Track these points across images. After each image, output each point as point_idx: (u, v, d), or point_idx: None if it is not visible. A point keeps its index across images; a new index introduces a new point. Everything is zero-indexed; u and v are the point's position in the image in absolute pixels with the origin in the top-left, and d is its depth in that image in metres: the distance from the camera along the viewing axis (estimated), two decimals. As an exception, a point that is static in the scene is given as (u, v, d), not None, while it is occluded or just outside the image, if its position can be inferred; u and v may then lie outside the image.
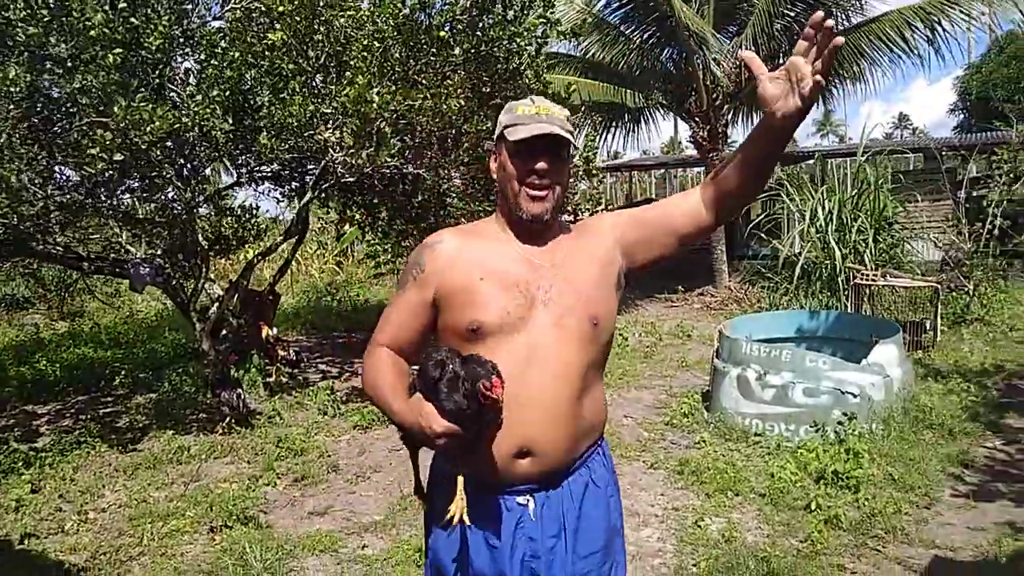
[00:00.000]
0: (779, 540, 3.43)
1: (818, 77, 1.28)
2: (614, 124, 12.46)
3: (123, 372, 6.69)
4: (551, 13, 4.95)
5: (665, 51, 12.32)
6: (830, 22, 1.25)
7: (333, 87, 4.90)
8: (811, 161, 13.18)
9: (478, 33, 4.93)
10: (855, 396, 4.61)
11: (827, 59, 1.27)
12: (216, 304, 6.36)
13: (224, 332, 6.67)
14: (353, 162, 4.72)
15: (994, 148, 10.13)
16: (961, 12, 9.52)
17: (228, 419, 5.20)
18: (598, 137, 11.69)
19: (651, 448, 4.78)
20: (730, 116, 12.15)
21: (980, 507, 3.71)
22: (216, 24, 5.75)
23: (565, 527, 1.53)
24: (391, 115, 4.68)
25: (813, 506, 3.68)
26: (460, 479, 1.43)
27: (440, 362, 1.36)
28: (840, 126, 48.29)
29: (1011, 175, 9.47)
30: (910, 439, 4.50)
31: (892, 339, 4.98)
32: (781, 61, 8.58)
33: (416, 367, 1.47)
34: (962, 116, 23.92)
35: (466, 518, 1.41)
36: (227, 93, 5.18)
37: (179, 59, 5.34)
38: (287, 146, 5.28)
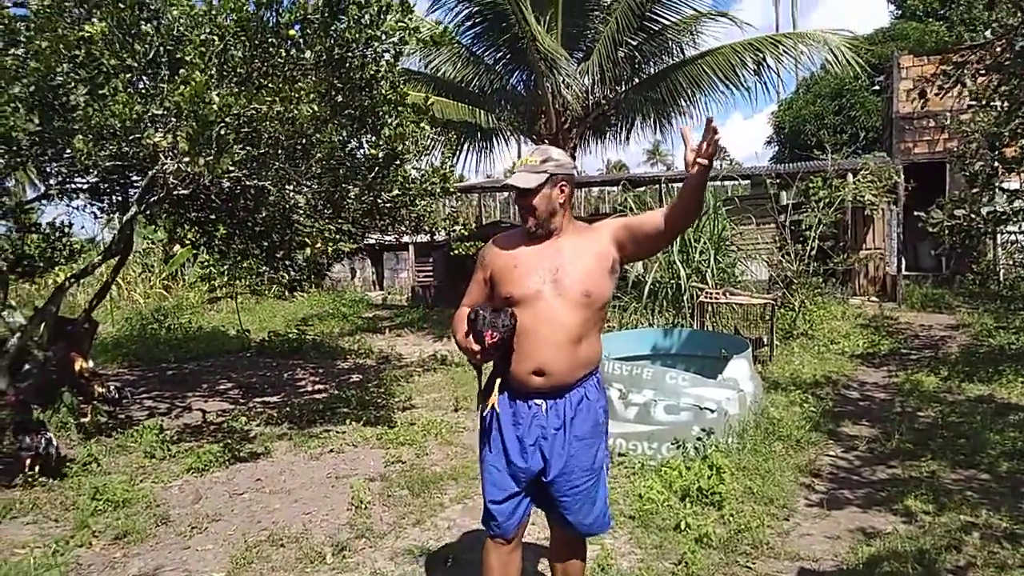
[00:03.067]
0: (653, 564, 3.36)
1: (702, 160, 2.06)
2: (468, 143, 12.42)
3: None
4: (409, 20, 4.72)
5: (515, 73, 12.49)
6: (714, 123, 2.01)
7: (165, 86, 4.36)
8: (656, 185, 13.80)
9: (332, 35, 4.58)
10: (713, 411, 4.72)
11: (712, 146, 2.05)
12: (17, 334, 5.47)
13: (27, 367, 5.76)
14: (188, 171, 4.20)
15: (811, 176, 11.14)
16: (784, 51, 10.41)
17: (31, 469, 4.41)
18: (453, 156, 11.58)
19: (518, 474, 4.61)
20: (578, 140, 12.51)
21: (833, 515, 3.87)
22: (17, 11, 5.00)
23: (565, 421, 2.36)
24: (233, 120, 4.21)
25: (683, 526, 3.66)
26: (497, 384, 2.41)
27: (476, 312, 2.29)
28: (668, 155, 51.78)
29: (827, 200, 10.44)
30: (763, 451, 4.66)
31: (743, 354, 5.17)
32: (620, 88, 8.91)
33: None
34: (777, 148, 26.34)
35: (498, 407, 2.40)
36: (31, 89, 4.48)
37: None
38: (108, 152, 4.64)
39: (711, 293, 8.02)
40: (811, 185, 10.95)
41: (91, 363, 6.23)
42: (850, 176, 11.89)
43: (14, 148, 4.63)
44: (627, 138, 13.56)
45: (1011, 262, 12.11)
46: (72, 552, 3.56)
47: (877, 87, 19.26)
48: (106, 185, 6.78)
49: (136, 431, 5.36)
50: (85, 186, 6.75)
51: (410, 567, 3.42)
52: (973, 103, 6.40)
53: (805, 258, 10.10)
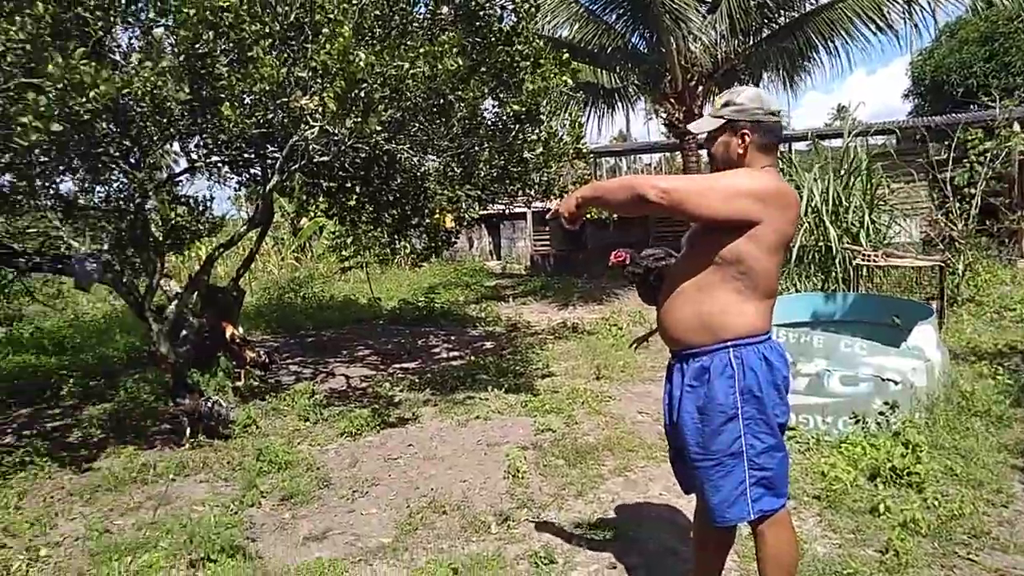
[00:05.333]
0: (854, 551, 3.01)
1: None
2: (592, 105, 12.03)
3: (71, 380, 5.94)
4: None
5: (636, 31, 11.93)
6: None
7: (309, 46, 4.29)
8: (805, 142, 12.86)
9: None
10: (897, 383, 4.24)
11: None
12: (174, 302, 5.69)
13: (184, 333, 6.00)
14: (335, 131, 4.13)
15: (969, 127, 10.00)
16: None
17: (199, 430, 4.57)
18: (582, 116, 11.27)
19: (678, 447, 4.34)
20: (705, 98, 11.84)
21: (1063, 503, 3.36)
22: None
23: (684, 389, 2.21)
24: (376, 79, 4.09)
25: (881, 509, 3.28)
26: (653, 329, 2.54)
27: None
28: (784, 116, 49.13)
29: (992, 154, 9.34)
30: (959, 428, 4.15)
31: (929, 320, 4.64)
32: (750, 40, 8.32)
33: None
34: (917, 101, 24.20)
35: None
36: (181, 57, 4.53)
37: (119, 21, 4.68)
38: (254, 120, 4.66)
39: (869, 255, 7.34)
40: (970, 138, 9.85)
41: (240, 330, 6.44)
42: (1017, 126, 10.63)
43: (167, 118, 4.72)
44: (755, 95, 12.74)
45: None
46: (245, 511, 3.61)
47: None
48: (245, 156, 6.95)
49: (288, 395, 5.48)
50: (226, 159, 6.95)
51: (579, 540, 3.24)
52: None
53: (968, 217, 9.11)
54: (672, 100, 11.49)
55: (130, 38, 5.23)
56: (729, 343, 2.12)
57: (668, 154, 20.40)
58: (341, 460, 4.33)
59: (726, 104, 2.19)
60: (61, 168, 4.94)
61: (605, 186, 2.32)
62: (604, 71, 11.85)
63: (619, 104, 12.53)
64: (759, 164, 2.16)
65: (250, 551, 3.18)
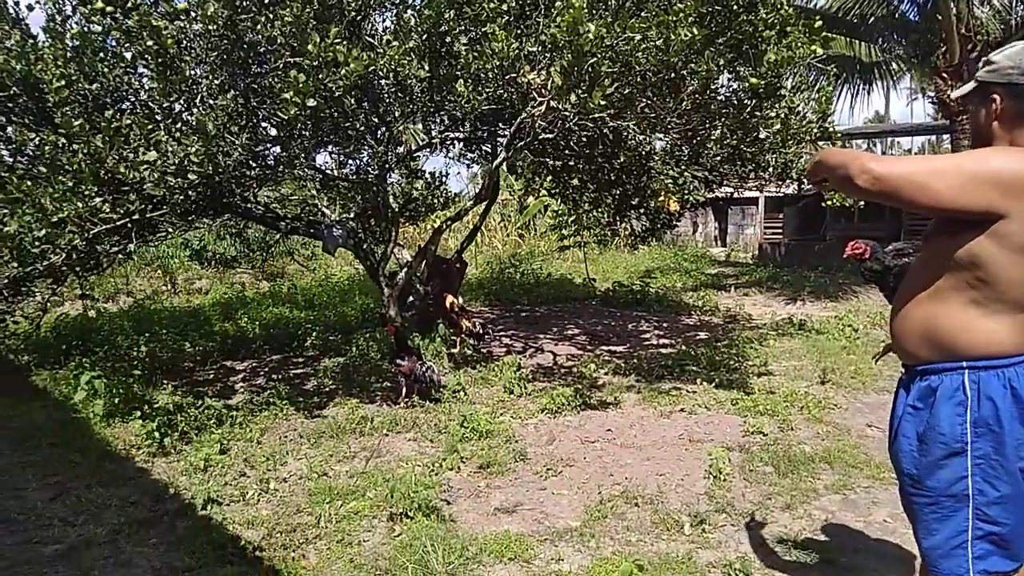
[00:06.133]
0: None
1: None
2: (846, 81, 10.91)
3: (315, 334, 6.66)
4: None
5: (906, -4, 10.57)
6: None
7: (541, 20, 4.30)
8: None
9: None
10: None
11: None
12: (404, 270, 6.12)
13: (411, 299, 6.45)
14: (559, 106, 4.09)
15: None
16: None
17: (413, 391, 4.88)
18: (832, 93, 10.28)
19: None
20: (988, 72, 10.17)
21: None
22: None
23: (906, 407, 1.87)
24: (604, 52, 3.98)
25: None
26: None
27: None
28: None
29: None
30: None
31: None
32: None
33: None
34: None
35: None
36: (424, 37, 4.78)
37: (376, 5, 5.04)
38: (485, 95, 4.79)
39: None
40: None
41: (460, 300, 6.76)
42: None
43: (408, 95, 5.01)
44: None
45: None
46: (444, 474, 3.77)
47: None
48: (478, 134, 7.25)
49: (496, 366, 5.64)
50: (461, 136, 7.29)
51: (780, 558, 2.93)
52: None
53: None
54: (945, 74, 10.02)
55: (384, 20, 5.63)
56: (964, 363, 1.75)
57: (934, 139, 18.00)
58: (539, 436, 4.36)
59: (986, 64, 1.75)
60: (317, 142, 5.47)
61: (831, 155, 1.84)
62: (862, 43, 10.64)
63: (878, 81, 11.20)
64: (1020, 139, 1.70)
65: (444, 513, 3.30)
